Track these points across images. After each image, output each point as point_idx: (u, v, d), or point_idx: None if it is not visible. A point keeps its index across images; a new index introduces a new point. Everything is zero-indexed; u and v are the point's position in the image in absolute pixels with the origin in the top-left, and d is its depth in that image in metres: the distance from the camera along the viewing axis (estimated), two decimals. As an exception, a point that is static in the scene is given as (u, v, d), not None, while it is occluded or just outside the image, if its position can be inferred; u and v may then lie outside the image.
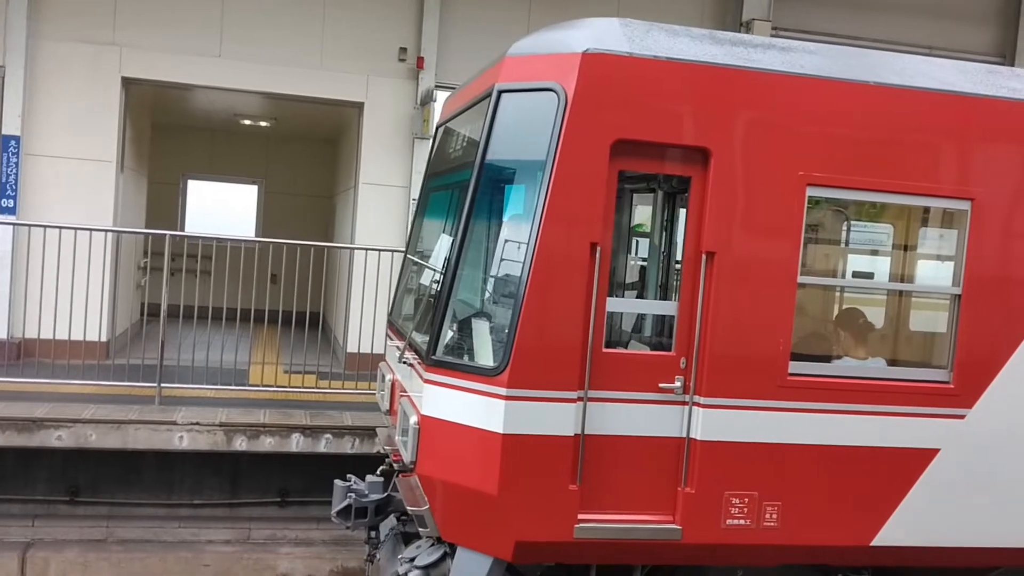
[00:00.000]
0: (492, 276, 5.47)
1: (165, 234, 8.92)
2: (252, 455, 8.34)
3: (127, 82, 10.68)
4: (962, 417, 5.36)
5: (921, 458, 5.32)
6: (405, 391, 5.99)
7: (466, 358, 5.32)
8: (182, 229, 16.35)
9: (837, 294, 6.67)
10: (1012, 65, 12.10)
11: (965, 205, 5.40)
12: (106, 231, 9.50)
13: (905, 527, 5.30)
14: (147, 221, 13.76)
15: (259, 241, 9.61)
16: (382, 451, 6.95)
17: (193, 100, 13.05)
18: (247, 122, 15.27)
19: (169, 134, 15.95)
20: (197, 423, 8.00)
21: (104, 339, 10.05)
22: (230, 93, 11.58)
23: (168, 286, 8.57)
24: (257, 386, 9.12)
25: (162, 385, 8.47)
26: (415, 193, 10.87)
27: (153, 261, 11.07)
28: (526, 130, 5.20)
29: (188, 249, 14.79)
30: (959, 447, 5.35)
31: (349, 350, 10.13)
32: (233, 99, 12.59)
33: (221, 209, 17.40)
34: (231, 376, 8.97)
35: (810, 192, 5.22)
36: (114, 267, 10.47)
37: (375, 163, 11.24)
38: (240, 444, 8.06)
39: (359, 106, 11.36)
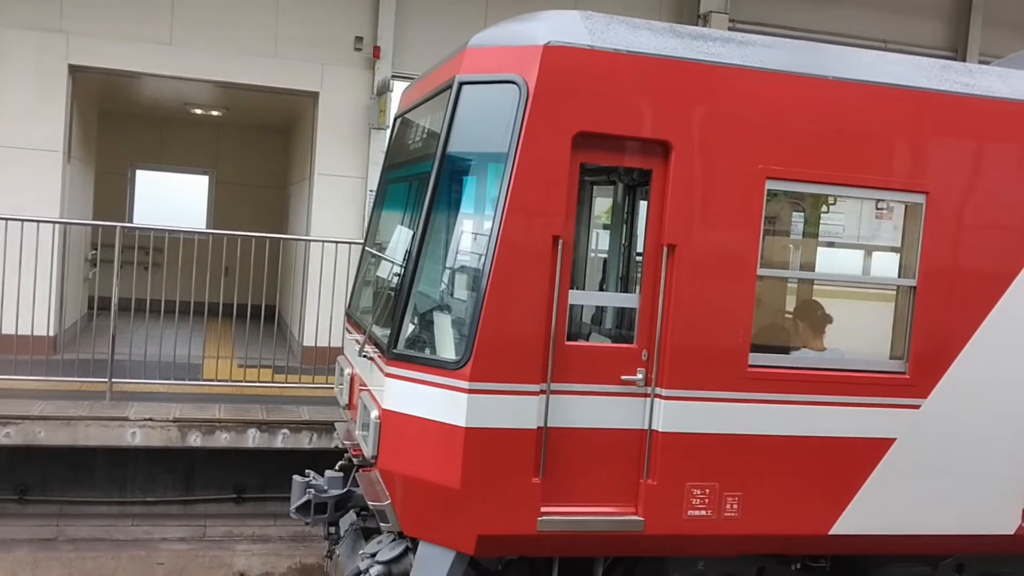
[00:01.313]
0: (453, 269, 5.43)
1: (116, 226, 8.72)
2: (207, 451, 8.20)
3: (74, 70, 10.40)
4: (917, 407, 5.45)
5: (878, 448, 5.41)
6: (365, 385, 5.92)
7: (428, 351, 5.28)
8: (130, 220, 16.02)
9: (794, 286, 6.73)
10: (964, 60, 12.35)
11: (920, 198, 5.49)
12: (54, 223, 9.25)
13: (862, 516, 5.39)
14: (94, 212, 13.45)
15: (213, 233, 9.44)
16: (341, 446, 6.88)
17: (142, 88, 12.77)
18: (198, 111, 14.98)
19: (117, 123, 15.58)
20: (150, 419, 7.85)
21: (52, 333, 9.80)
22: (180, 82, 11.35)
23: (119, 279, 8.38)
24: (211, 381, 8.97)
25: (113, 380, 8.29)
26: (372, 184, 10.76)
27: (102, 253, 10.82)
28: (487, 122, 5.16)
29: (135, 241, 14.49)
30: (915, 436, 5.44)
31: (306, 344, 10.01)
32: (183, 88, 12.34)
33: (170, 200, 17.07)
34: (184, 371, 8.81)
35: (769, 185, 5.26)
36: (62, 260, 10.21)
37: (331, 154, 11.10)
38: (195, 440, 7.92)
39: (314, 96, 11.21)
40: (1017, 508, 5.62)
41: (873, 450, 5.41)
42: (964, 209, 5.53)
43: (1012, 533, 5.62)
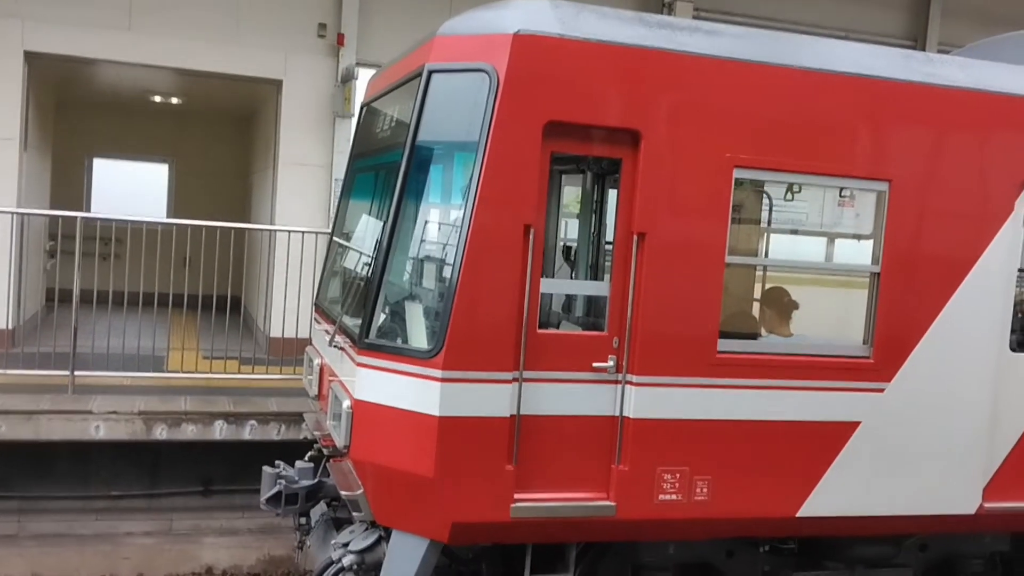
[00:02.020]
0: (425, 258, 5.42)
1: (77, 216, 8.57)
2: (173, 444, 8.10)
3: (30, 56, 10.16)
4: (881, 391, 5.56)
5: (843, 431, 5.51)
6: (336, 375, 5.90)
7: (399, 341, 5.27)
8: (88, 210, 15.70)
9: (762, 273, 6.83)
10: (923, 49, 12.55)
11: (883, 186, 5.58)
12: (12, 213, 9.06)
13: (828, 498, 5.49)
14: (51, 202, 13.19)
15: (178, 223, 9.29)
16: (310, 436, 6.84)
17: (100, 75, 12.52)
18: (157, 99, 14.73)
19: (74, 111, 15.30)
20: (114, 412, 7.75)
21: (10, 327, 9.63)
22: (140, 68, 11.12)
23: (80, 270, 8.24)
24: (176, 372, 8.86)
25: (75, 373, 8.16)
26: (337, 173, 10.68)
27: (60, 244, 10.61)
28: (458, 111, 5.15)
29: (96, 232, 14.25)
30: (879, 419, 5.55)
31: (272, 335, 9.92)
32: (143, 75, 12.11)
33: (129, 190, 16.80)
34: (148, 363, 8.70)
35: (737, 174, 5.32)
36: (19, 251, 10.00)
37: (295, 142, 10.99)
38: (161, 433, 7.83)
39: (277, 83, 11.07)
40: (978, 488, 5.76)
41: (838, 433, 5.51)
42: (926, 197, 5.63)
43: (973, 513, 5.77)
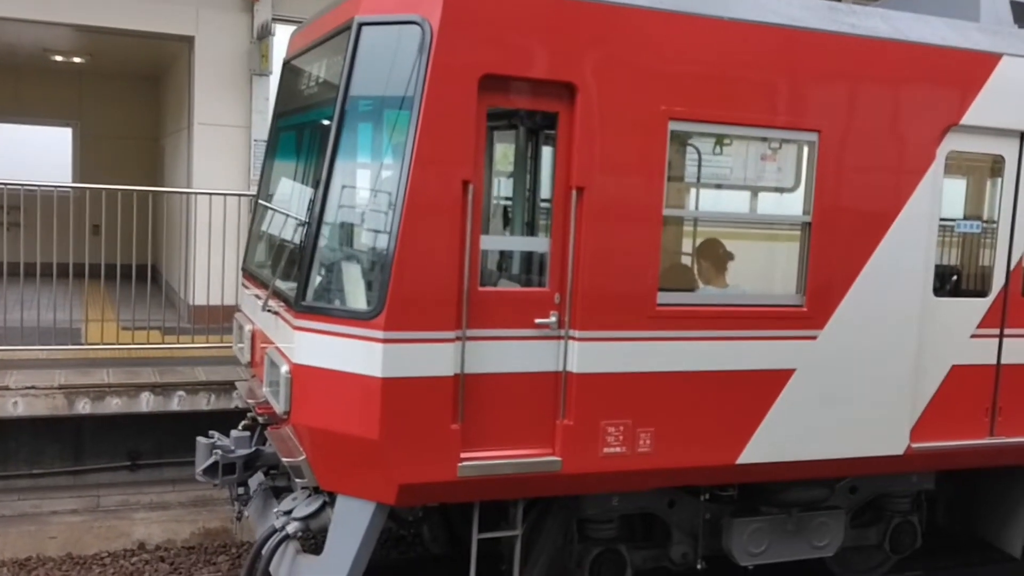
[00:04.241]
0: (361, 218, 5.28)
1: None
2: (97, 418, 7.82)
3: (-83, 14, 9.54)
4: (814, 338, 5.69)
5: (779, 378, 5.63)
6: (271, 341, 5.75)
7: (337, 303, 5.15)
8: (-13, 178, 14.93)
9: (692, 227, 6.87)
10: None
11: (813, 136, 5.66)
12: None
13: (766, 444, 5.61)
14: (-52, 170, 12.49)
15: (91, 188, 8.85)
16: (243, 405, 6.68)
17: (-5, 34, 11.84)
18: (58, 58, 14.01)
19: (-33, 73, 14.46)
20: (33, 387, 7.43)
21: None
22: (38, 26, 10.56)
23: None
24: (96, 344, 8.53)
25: (-12, 348, 7.80)
26: (256, 133, 10.35)
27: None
28: (390, 66, 5.01)
29: (3, 200, 13.55)
30: (812, 366, 5.68)
31: (195, 303, 9.62)
32: (42, 32, 11.51)
33: (31, 155, 16.01)
34: (65, 336, 8.35)
35: (672, 126, 5.32)
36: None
37: (210, 102, 10.58)
38: (83, 407, 7.55)
39: (189, 40, 10.63)
40: (906, 429, 5.97)
41: (775, 381, 5.63)
42: (853, 146, 5.73)
43: (901, 454, 5.98)
